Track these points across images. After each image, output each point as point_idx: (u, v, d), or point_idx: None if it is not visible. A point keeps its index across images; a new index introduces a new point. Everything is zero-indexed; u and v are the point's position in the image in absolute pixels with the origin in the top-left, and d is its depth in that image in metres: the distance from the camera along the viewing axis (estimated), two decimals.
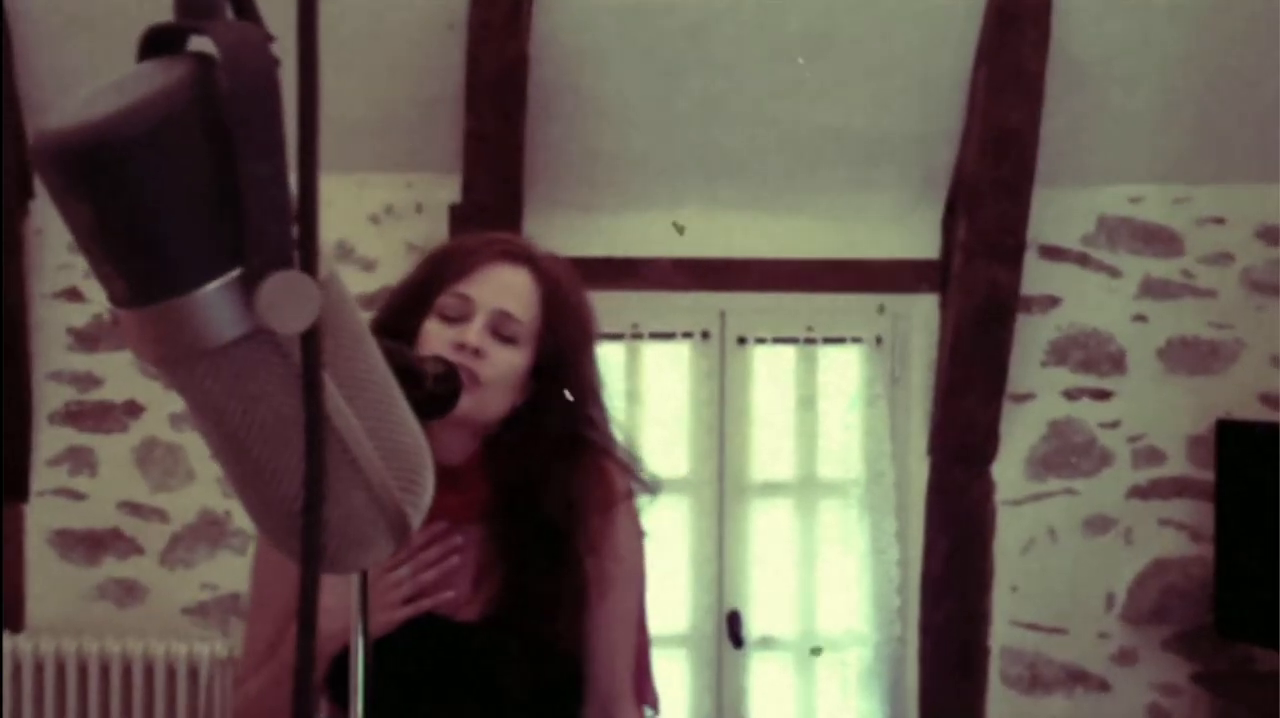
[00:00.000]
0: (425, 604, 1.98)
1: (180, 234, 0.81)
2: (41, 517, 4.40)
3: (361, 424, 0.89)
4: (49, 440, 4.38)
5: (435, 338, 2.00)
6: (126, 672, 4.28)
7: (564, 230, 4.27)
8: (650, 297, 4.38)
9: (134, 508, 4.40)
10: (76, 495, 4.40)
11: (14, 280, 4.25)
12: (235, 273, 0.81)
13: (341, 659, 1.94)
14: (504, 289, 2.04)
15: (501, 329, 2.01)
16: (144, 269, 0.82)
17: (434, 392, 1.96)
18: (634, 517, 2.13)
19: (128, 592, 4.42)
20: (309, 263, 0.81)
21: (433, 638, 2.01)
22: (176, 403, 4.00)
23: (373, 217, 4.31)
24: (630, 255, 4.33)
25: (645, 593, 2.16)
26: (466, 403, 1.91)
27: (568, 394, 2.06)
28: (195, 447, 4.26)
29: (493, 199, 4.11)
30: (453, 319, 2.01)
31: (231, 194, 0.80)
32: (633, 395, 4.43)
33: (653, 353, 4.47)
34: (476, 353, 1.97)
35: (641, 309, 4.40)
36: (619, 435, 2.14)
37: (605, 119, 4.19)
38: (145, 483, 4.39)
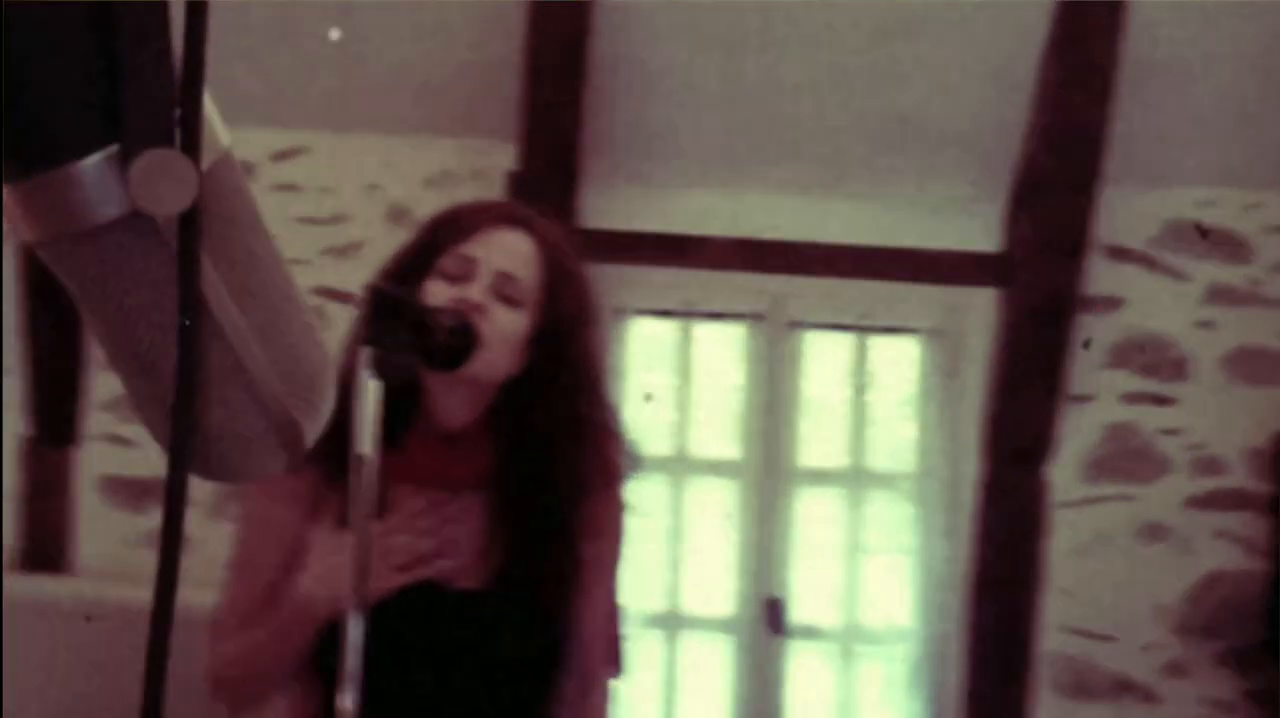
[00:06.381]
0: (422, 572, 1.97)
1: (59, 106, 0.79)
2: (91, 462, 4.44)
3: (249, 323, 0.86)
4: (101, 385, 4.41)
5: (437, 297, 1.98)
6: None
7: (620, 204, 4.25)
8: (704, 275, 4.33)
9: None
10: (126, 442, 4.43)
11: None
12: (113, 149, 0.79)
13: (331, 628, 1.94)
14: (507, 251, 2.03)
15: (504, 290, 2.00)
16: (22, 140, 0.80)
17: (447, 343, 1.94)
18: (622, 493, 2.14)
19: None
20: (189, 142, 0.78)
21: (431, 606, 1.99)
22: None
23: (429, 180, 4.27)
24: (686, 232, 4.29)
25: (621, 565, 2.15)
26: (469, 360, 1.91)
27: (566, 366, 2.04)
28: None
29: (549, 169, 4.09)
30: (455, 278, 2.00)
31: (116, 69, 0.78)
32: (683, 374, 4.40)
33: (705, 333, 4.44)
34: (479, 310, 1.95)
35: (695, 288, 4.36)
36: (618, 412, 2.13)
37: (667, 94, 4.15)
38: None
